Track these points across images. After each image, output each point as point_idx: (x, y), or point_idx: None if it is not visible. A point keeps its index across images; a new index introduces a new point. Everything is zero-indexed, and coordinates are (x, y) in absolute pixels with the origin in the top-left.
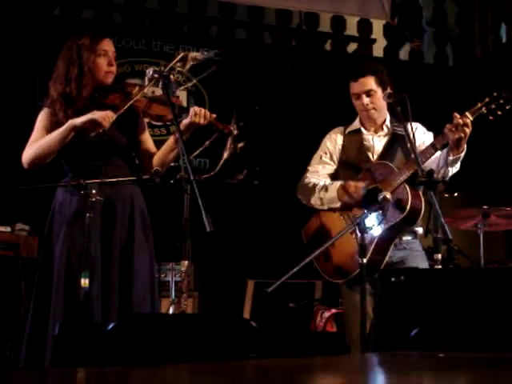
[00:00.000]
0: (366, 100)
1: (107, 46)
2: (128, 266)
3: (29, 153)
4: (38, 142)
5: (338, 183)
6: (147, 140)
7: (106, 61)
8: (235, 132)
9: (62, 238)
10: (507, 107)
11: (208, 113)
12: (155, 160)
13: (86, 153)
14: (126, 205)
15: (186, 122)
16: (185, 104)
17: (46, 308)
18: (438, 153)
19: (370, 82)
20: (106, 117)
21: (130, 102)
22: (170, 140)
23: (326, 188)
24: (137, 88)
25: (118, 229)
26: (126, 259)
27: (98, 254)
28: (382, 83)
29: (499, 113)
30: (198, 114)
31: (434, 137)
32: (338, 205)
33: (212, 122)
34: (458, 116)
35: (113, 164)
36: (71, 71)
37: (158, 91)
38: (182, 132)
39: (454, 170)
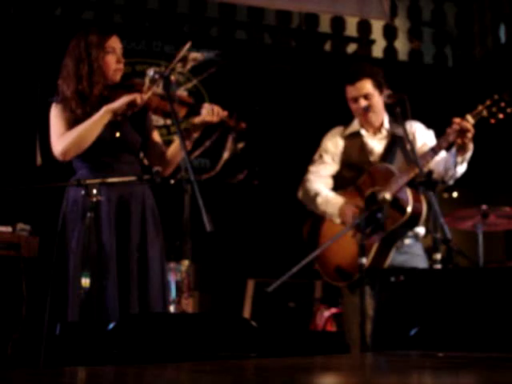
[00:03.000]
0: (363, 103)
1: (115, 42)
2: (144, 264)
3: (64, 144)
4: (74, 131)
5: (341, 201)
6: (157, 138)
7: (114, 58)
8: (244, 127)
9: (76, 235)
10: (509, 110)
11: (221, 110)
12: (166, 159)
13: (99, 150)
14: (139, 203)
15: (198, 119)
16: None
17: (63, 306)
18: (443, 154)
19: (367, 86)
20: (137, 95)
21: (148, 94)
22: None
23: (328, 202)
24: (146, 86)
25: (133, 227)
26: (141, 257)
27: (114, 252)
28: (378, 85)
29: (501, 116)
30: (211, 113)
31: (436, 139)
32: (338, 221)
33: (224, 120)
34: (458, 120)
35: (124, 161)
36: (81, 69)
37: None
38: (193, 129)
39: (461, 170)
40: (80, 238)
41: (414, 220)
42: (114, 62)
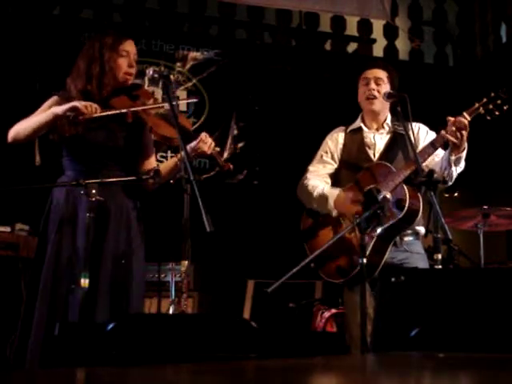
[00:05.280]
0: (373, 85)
1: (129, 46)
2: (127, 268)
3: (14, 128)
4: (25, 121)
5: (336, 193)
6: (151, 155)
7: (126, 62)
8: (231, 168)
9: (54, 237)
10: (505, 107)
11: (213, 144)
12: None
13: (90, 154)
14: (122, 207)
15: (192, 145)
16: (185, 107)
17: (32, 308)
18: (441, 154)
19: (382, 73)
20: (88, 105)
21: (98, 114)
22: (172, 161)
23: (323, 196)
24: (151, 100)
25: (110, 231)
26: (124, 261)
27: (87, 257)
28: (391, 81)
29: (497, 113)
30: (205, 142)
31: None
32: (335, 214)
33: (214, 155)
34: (452, 119)
35: (112, 169)
36: (93, 69)
37: (160, 93)
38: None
39: (458, 169)
40: (58, 241)
41: (411, 216)
42: (125, 65)
